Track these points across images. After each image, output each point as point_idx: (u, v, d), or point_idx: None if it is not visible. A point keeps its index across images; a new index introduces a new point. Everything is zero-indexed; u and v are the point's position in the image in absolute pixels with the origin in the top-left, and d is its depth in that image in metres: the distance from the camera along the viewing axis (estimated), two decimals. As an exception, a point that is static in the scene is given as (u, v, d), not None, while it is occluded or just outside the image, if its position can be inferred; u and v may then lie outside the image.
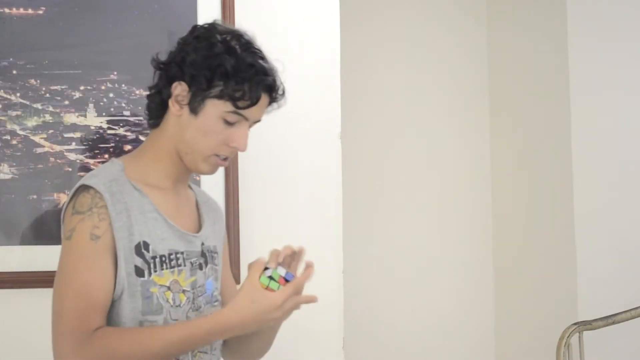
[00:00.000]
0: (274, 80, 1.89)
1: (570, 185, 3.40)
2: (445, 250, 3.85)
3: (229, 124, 1.85)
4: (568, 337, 3.09)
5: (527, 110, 3.69)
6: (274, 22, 2.60)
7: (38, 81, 2.42)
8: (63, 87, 2.43)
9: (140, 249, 1.80)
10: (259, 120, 1.92)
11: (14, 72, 2.42)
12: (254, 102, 1.85)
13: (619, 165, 3.46)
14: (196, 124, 1.85)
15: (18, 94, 2.41)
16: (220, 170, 2.50)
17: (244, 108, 1.85)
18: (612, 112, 3.47)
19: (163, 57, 1.91)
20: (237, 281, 2.50)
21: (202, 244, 1.94)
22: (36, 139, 2.41)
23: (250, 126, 1.90)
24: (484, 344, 3.83)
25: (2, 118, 2.41)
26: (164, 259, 1.84)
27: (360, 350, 3.64)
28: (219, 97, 1.83)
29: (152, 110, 1.91)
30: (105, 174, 1.83)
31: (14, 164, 2.39)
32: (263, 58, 1.89)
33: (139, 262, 1.80)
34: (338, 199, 2.60)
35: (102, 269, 1.77)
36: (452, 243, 3.85)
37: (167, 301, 1.82)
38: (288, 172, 2.57)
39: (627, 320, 3.22)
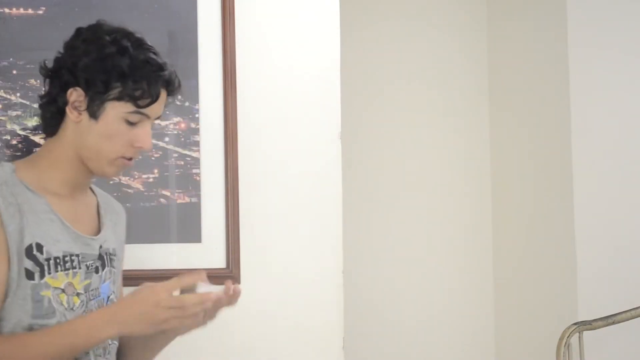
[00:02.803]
0: (170, 74, 1.86)
1: (570, 185, 3.39)
2: (445, 249, 3.85)
3: (131, 124, 1.82)
4: (568, 337, 3.09)
5: (527, 111, 3.69)
6: (274, 23, 2.60)
7: (38, 81, 2.42)
8: (63, 87, 2.42)
9: (32, 250, 1.76)
10: (159, 117, 1.89)
11: (14, 72, 2.42)
12: (154, 99, 1.83)
13: (619, 166, 3.46)
14: (98, 128, 1.82)
15: (18, 94, 2.41)
16: (220, 170, 2.51)
17: (145, 107, 1.82)
18: (612, 112, 3.46)
19: (50, 64, 1.88)
20: (237, 281, 2.51)
21: (100, 246, 1.91)
22: (36, 139, 2.41)
23: (151, 123, 1.87)
24: (484, 344, 3.83)
25: (2, 118, 2.41)
26: (58, 260, 1.79)
27: (360, 350, 3.64)
28: (118, 98, 1.81)
29: (47, 120, 1.87)
30: None
31: (14, 164, 2.39)
32: (156, 53, 1.85)
33: (29, 264, 1.75)
34: (338, 199, 2.60)
35: None
36: (452, 242, 3.85)
37: (62, 304, 1.78)
38: (288, 172, 2.58)
39: (627, 320, 3.22)
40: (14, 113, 2.41)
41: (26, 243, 1.75)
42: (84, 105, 1.82)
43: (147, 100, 1.82)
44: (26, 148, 2.40)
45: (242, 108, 2.54)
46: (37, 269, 1.76)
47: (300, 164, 2.58)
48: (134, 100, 1.81)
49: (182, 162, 2.49)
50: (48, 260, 1.77)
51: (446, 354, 3.81)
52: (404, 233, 3.83)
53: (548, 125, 3.56)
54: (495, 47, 3.89)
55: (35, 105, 2.41)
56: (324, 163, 2.59)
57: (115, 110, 1.81)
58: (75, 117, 1.82)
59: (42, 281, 1.76)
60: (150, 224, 2.47)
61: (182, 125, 2.48)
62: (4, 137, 2.40)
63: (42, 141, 2.39)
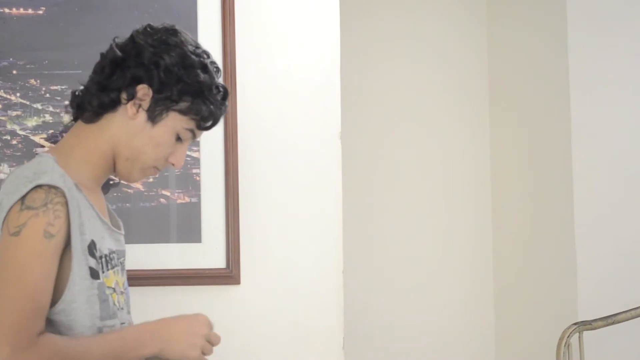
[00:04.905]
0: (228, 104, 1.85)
1: (570, 185, 3.39)
2: (445, 249, 3.85)
3: (179, 139, 1.78)
4: (568, 337, 3.09)
5: (527, 111, 3.69)
6: (274, 22, 2.60)
7: (38, 81, 2.42)
8: (63, 87, 2.43)
9: (92, 248, 1.69)
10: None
11: (14, 72, 2.42)
12: (215, 124, 1.81)
13: (619, 165, 3.46)
14: (150, 133, 1.75)
15: (18, 94, 2.42)
16: (221, 170, 2.51)
17: (204, 129, 1.80)
18: (612, 112, 3.46)
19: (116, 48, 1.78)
20: (238, 281, 2.51)
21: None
22: (36, 139, 2.41)
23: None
24: (484, 344, 3.83)
25: (2, 118, 2.41)
26: (107, 258, 1.74)
27: (360, 350, 3.64)
28: (184, 112, 1.76)
29: (95, 107, 1.76)
30: (52, 168, 1.67)
31: (14, 164, 2.39)
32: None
33: (92, 263, 1.68)
34: (338, 199, 2.60)
35: (51, 271, 1.63)
36: (452, 242, 3.85)
37: (115, 304, 1.74)
38: (288, 172, 2.58)
39: (627, 320, 3.22)
40: (14, 113, 2.41)
41: (87, 240, 1.68)
42: (146, 105, 1.75)
43: (209, 124, 1.80)
44: (26, 148, 2.40)
45: (242, 108, 2.54)
46: (99, 266, 1.70)
47: (300, 163, 2.58)
48: (199, 119, 1.77)
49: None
50: (101, 258, 1.71)
51: (446, 353, 3.81)
52: (404, 233, 3.82)
53: (548, 125, 3.56)
54: (495, 47, 3.89)
55: (35, 106, 2.42)
56: (324, 163, 2.60)
57: (175, 122, 1.76)
58: (132, 114, 1.75)
59: (102, 280, 1.70)
60: (150, 224, 2.47)
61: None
62: (4, 137, 2.40)
63: (42, 141, 2.39)
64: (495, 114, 3.89)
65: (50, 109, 2.42)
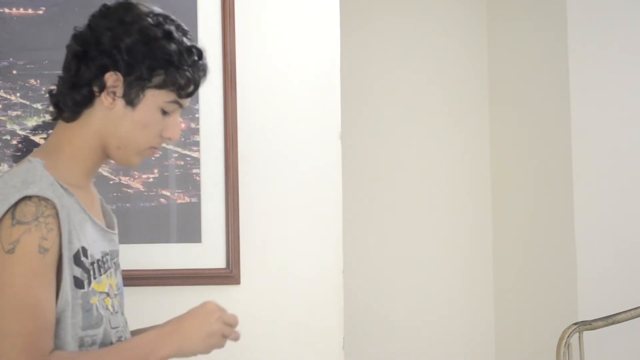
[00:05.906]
0: (207, 61, 1.77)
1: (570, 185, 3.39)
2: (445, 250, 3.85)
3: (165, 113, 1.71)
4: (568, 337, 3.09)
5: (527, 111, 3.69)
6: (274, 22, 2.60)
7: (38, 81, 2.42)
8: (63, 87, 2.43)
9: (80, 257, 1.64)
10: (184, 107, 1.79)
11: (14, 72, 2.42)
12: (196, 88, 1.74)
13: (619, 165, 3.46)
14: (133, 116, 1.69)
15: (18, 94, 2.42)
16: (221, 170, 2.51)
17: (186, 96, 1.73)
18: (612, 112, 3.46)
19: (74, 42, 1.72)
20: (238, 281, 2.51)
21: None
22: (36, 139, 2.41)
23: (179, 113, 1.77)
24: (484, 344, 3.83)
25: (2, 118, 2.41)
26: (100, 263, 1.69)
27: (360, 350, 3.64)
28: (160, 86, 1.69)
29: (71, 106, 1.70)
30: (40, 177, 1.62)
31: (14, 164, 2.39)
32: (193, 39, 1.75)
33: (77, 272, 1.63)
34: (338, 199, 2.60)
35: (50, 286, 1.59)
36: (452, 243, 3.85)
37: (107, 309, 1.69)
38: (288, 172, 2.58)
39: (627, 320, 3.22)
40: (14, 113, 2.41)
41: (74, 249, 1.63)
42: (120, 91, 1.68)
43: (190, 90, 1.72)
44: (26, 148, 2.40)
45: (242, 108, 2.54)
46: (85, 275, 1.65)
47: (300, 164, 2.58)
48: (178, 89, 1.70)
49: (182, 162, 2.49)
50: (92, 264, 1.67)
51: (446, 353, 3.81)
52: (404, 233, 3.82)
53: (548, 125, 3.56)
54: (495, 47, 3.89)
55: (35, 106, 2.41)
56: (324, 163, 2.60)
57: (156, 99, 1.69)
58: (109, 104, 1.68)
59: (90, 288, 1.66)
60: (150, 224, 2.47)
61: (182, 125, 2.49)
62: (4, 137, 2.40)
63: (42, 141, 2.39)
64: (495, 114, 3.89)
65: (50, 109, 2.42)
